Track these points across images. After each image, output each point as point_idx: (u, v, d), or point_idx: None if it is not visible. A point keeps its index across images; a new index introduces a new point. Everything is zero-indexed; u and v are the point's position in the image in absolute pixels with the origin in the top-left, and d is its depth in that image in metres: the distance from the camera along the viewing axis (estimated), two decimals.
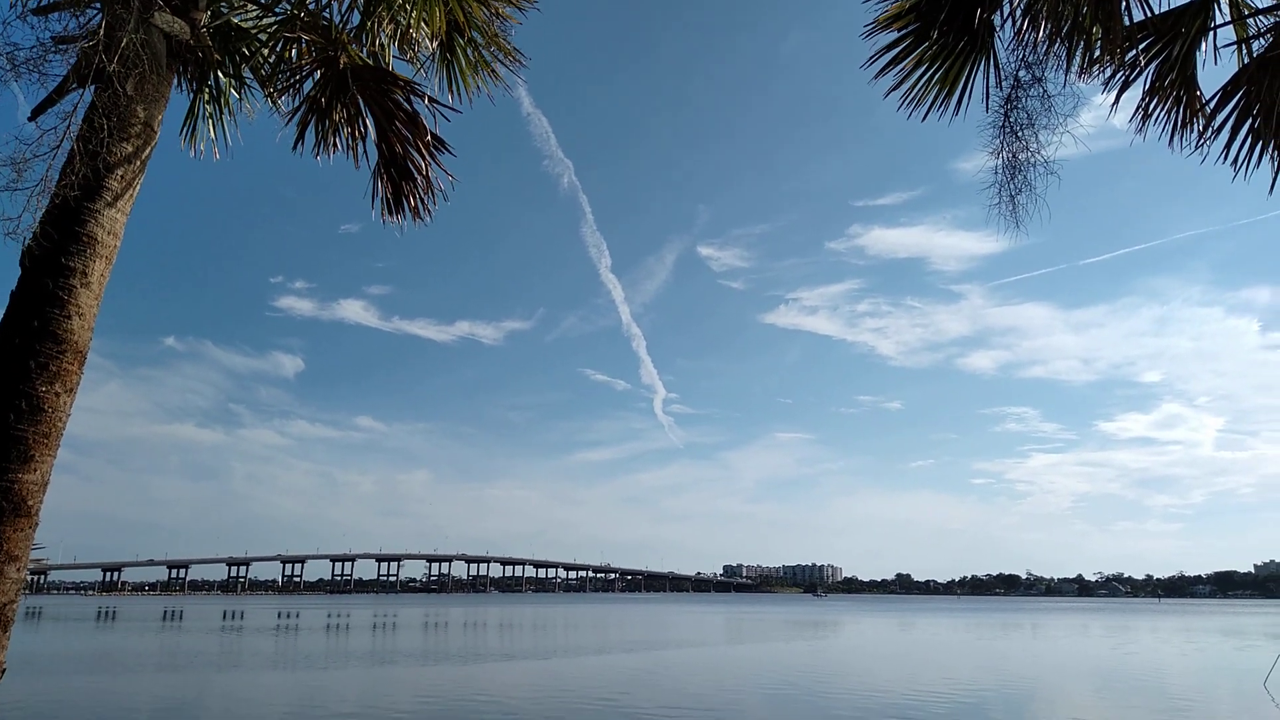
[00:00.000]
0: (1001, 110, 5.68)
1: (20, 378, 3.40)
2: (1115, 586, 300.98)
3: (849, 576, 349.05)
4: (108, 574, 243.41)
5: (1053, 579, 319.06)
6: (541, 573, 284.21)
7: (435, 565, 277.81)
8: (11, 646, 3.35)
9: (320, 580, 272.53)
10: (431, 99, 5.37)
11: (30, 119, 3.82)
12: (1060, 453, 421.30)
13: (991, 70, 5.58)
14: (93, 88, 3.84)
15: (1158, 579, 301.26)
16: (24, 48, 3.88)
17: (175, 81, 4.32)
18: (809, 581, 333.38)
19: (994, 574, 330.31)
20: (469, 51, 5.63)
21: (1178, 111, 5.37)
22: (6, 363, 3.42)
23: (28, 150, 3.65)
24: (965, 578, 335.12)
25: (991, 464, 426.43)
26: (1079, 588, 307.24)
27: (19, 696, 17.18)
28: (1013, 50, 5.56)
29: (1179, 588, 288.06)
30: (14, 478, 3.31)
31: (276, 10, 5.34)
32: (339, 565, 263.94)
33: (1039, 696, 19.53)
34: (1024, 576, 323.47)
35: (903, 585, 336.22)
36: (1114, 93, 5.34)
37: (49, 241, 3.56)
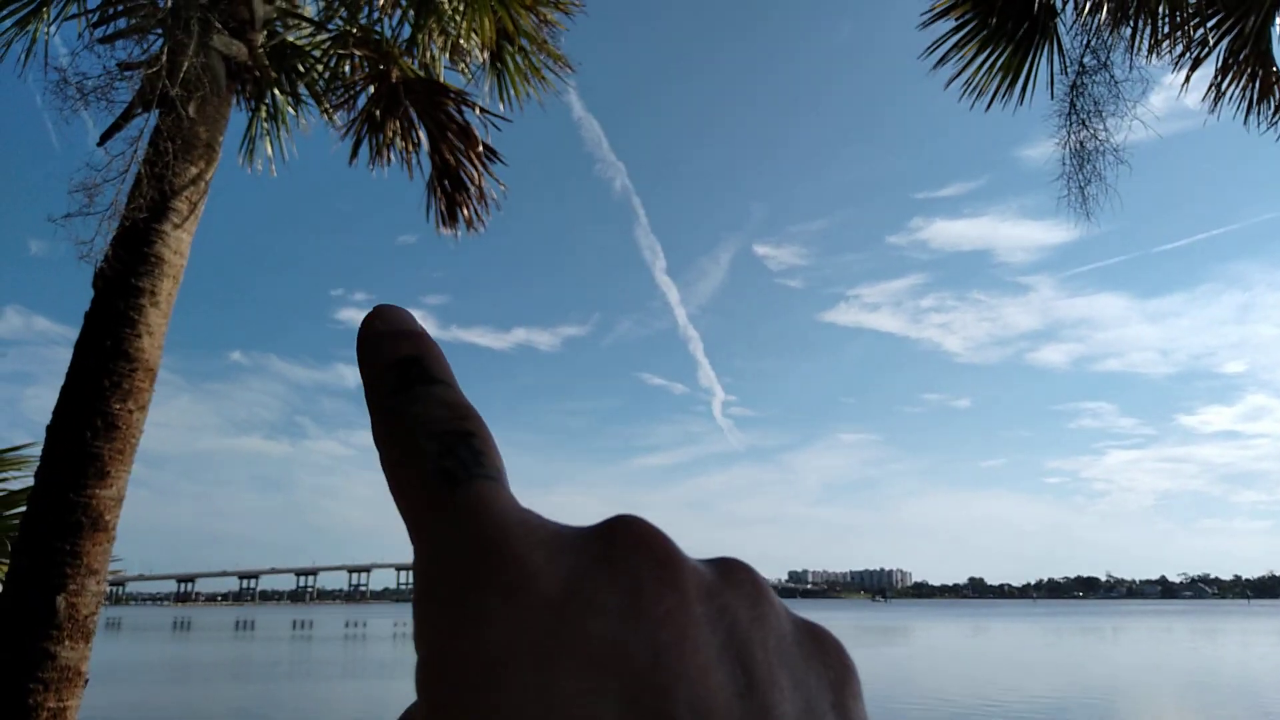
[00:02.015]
0: (1067, 98, 5.50)
1: (95, 396, 3.48)
2: (1201, 588, 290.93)
3: (919, 581, 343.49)
4: (182, 585, 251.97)
5: (1134, 581, 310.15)
6: None
7: None
8: (93, 656, 3.43)
9: (385, 589, 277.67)
10: (483, 109, 5.40)
11: (99, 144, 3.94)
12: (1139, 449, 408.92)
13: (1055, 56, 5.41)
14: (156, 112, 3.94)
15: (1247, 579, 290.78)
16: (92, 76, 4.01)
17: (234, 101, 4.42)
18: (878, 586, 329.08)
19: (1072, 576, 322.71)
20: (518, 59, 5.65)
21: (1252, 88, 5.16)
22: (82, 382, 3.51)
23: (98, 176, 3.77)
24: (1041, 581, 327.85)
25: (1066, 462, 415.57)
26: (1162, 589, 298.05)
27: (102, 706, 17.78)
28: (1076, 34, 5.39)
29: (1270, 588, 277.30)
30: (92, 493, 3.39)
31: (329, 27, 5.43)
32: (403, 574, 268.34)
33: (1120, 706, 18.89)
34: (1104, 579, 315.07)
35: (975, 589, 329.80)
36: (1184, 72, 5.15)
37: (119, 263, 3.66)
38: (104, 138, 4.00)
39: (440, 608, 0.21)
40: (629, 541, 0.22)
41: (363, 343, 0.27)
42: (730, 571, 0.23)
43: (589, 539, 0.22)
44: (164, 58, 3.90)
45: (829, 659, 0.23)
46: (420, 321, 0.29)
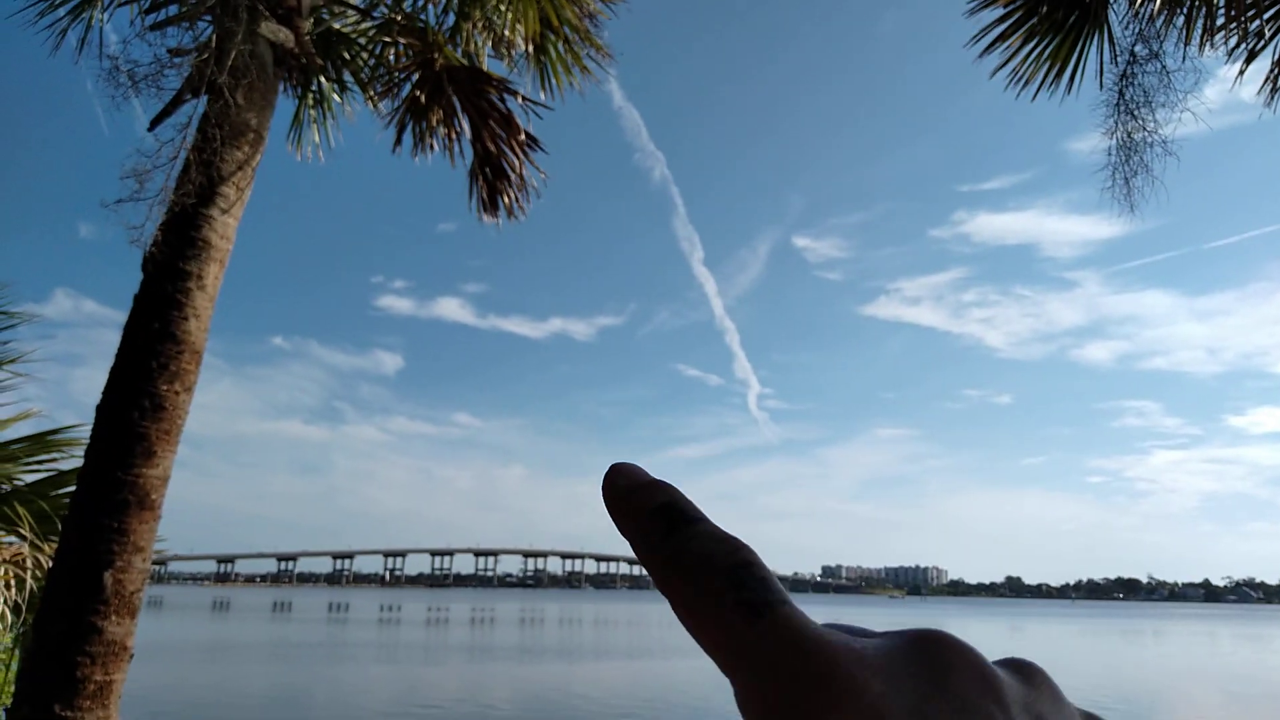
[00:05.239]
0: (1116, 88, 5.37)
1: (143, 377, 3.54)
2: (1246, 592, 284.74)
3: (955, 579, 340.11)
4: (222, 565, 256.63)
5: (1177, 584, 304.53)
6: (636, 570, 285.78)
7: (531, 560, 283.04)
8: (135, 634, 3.50)
9: (420, 574, 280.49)
10: (525, 98, 5.41)
11: (149, 129, 4.00)
12: (1185, 449, 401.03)
13: (1105, 45, 5.28)
14: (205, 98, 3.99)
15: None
16: (143, 64, 4.07)
17: (281, 88, 4.46)
18: (913, 583, 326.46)
19: (1112, 578, 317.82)
20: (560, 49, 5.65)
21: None
22: (130, 363, 3.57)
23: (148, 162, 3.82)
24: (1081, 581, 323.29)
25: (1109, 461, 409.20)
26: (1206, 593, 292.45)
27: (145, 681, 18.20)
28: (1128, 24, 5.25)
29: None
30: (139, 473, 3.45)
31: (374, 15, 5.47)
32: (438, 559, 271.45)
33: (1162, 709, 18.56)
34: (1145, 581, 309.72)
35: (1012, 588, 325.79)
36: (1239, 65, 5.00)
37: (167, 248, 3.71)
38: (154, 123, 4.06)
39: None
40: (950, 661, 0.25)
41: (614, 500, 0.30)
42: (1031, 677, 0.27)
43: (910, 660, 0.24)
44: (213, 44, 3.95)
45: None
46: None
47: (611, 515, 0.30)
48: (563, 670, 24.26)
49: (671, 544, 0.28)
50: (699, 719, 15.70)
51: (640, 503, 0.29)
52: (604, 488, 0.30)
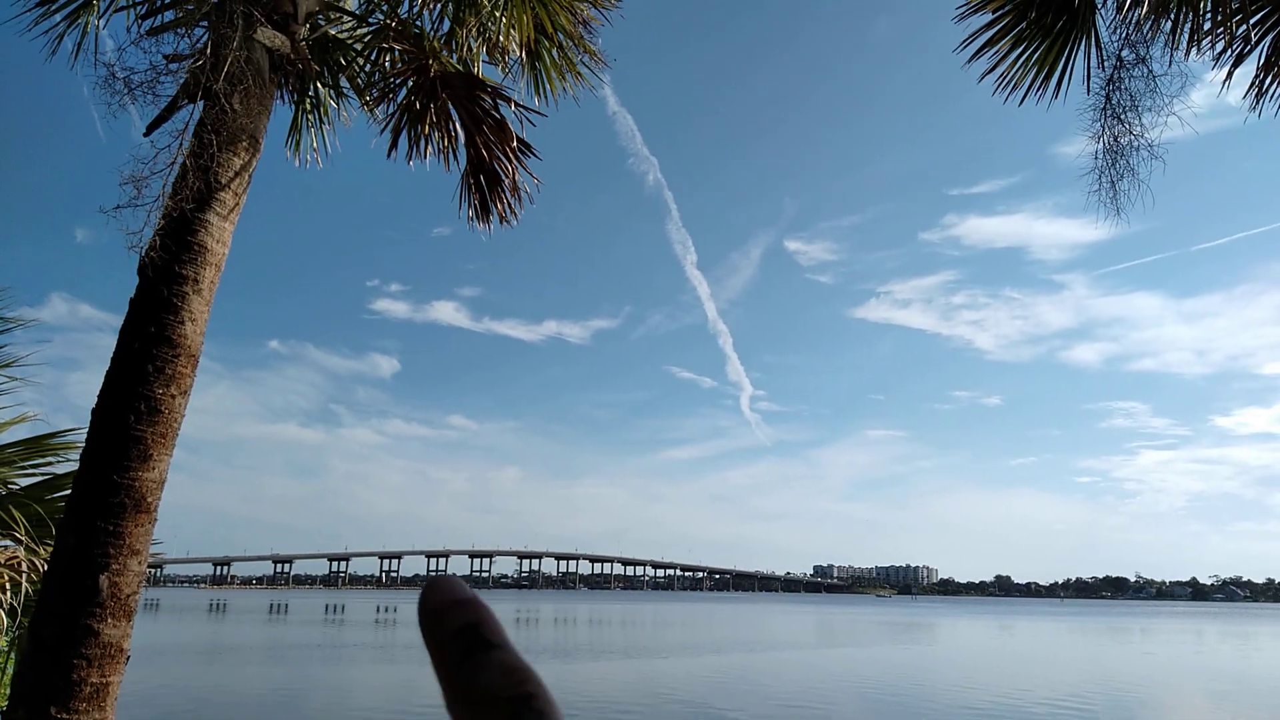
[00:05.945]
0: (1103, 92, 5.42)
1: (139, 380, 3.55)
2: (1233, 591, 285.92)
3: (945, 578, 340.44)
4: (218, 568, 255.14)
5: (1164, 582, 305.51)
6: (630, 570, 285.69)
7: (526, 562, 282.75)
8: (132, 636, 3.52)
9: (416, 575, 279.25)
10: (518, 104, 5.43)
11: (145, 134, 4.01)
12: (1172, 450, 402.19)
13: (1093, 50, 5.34)
14: (201, 104, 4.01)
15: None
16: (139, 71, 4.09)
17: (277, 94, 4.48)
18: (903, 583, 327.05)
19: (1100, 577, 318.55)
20: (554, 55, 5.68)
21: None
22: (126, 366, 3.58)
23: (145, 168, 3.84)
24: (1069, 580, 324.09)
25: (1097, 461, 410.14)
26: (1193, 592, 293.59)
27: (142, 684, 18.16)
28: (1115, 29, 5.31)
29: None
30: (135, 476, 3.46)
31: (370, 21, 5.50)
32: (434, 561, 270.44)
33: (1150, 705, 18.63)
34: (1133, 579, 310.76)
35: (1002, 587, 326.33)
36: (1225, 69, 5.05)
37: (164, 252, 3.73)
38: (150, 129, 4.07)
39: None
40: None
41: (425, 617, 0.32)
42: None
43: None
44: (209, 50, 3.97)
45: None
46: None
47: (421, 631, 0.32)
48: (558, 669, 24.26)
49: (460, 671, 0.30)
50: (693, 716, 15.73)
51: (446, 623, 0.31)
52: (419, 603, 0.32)
